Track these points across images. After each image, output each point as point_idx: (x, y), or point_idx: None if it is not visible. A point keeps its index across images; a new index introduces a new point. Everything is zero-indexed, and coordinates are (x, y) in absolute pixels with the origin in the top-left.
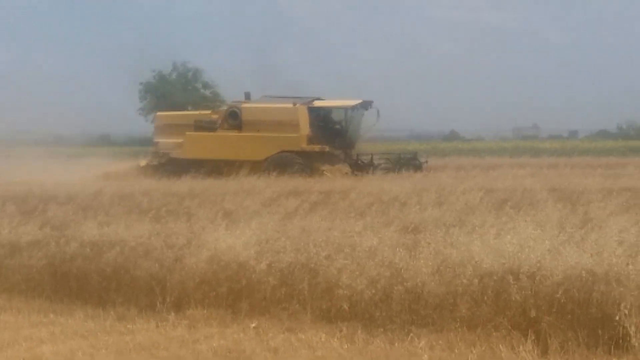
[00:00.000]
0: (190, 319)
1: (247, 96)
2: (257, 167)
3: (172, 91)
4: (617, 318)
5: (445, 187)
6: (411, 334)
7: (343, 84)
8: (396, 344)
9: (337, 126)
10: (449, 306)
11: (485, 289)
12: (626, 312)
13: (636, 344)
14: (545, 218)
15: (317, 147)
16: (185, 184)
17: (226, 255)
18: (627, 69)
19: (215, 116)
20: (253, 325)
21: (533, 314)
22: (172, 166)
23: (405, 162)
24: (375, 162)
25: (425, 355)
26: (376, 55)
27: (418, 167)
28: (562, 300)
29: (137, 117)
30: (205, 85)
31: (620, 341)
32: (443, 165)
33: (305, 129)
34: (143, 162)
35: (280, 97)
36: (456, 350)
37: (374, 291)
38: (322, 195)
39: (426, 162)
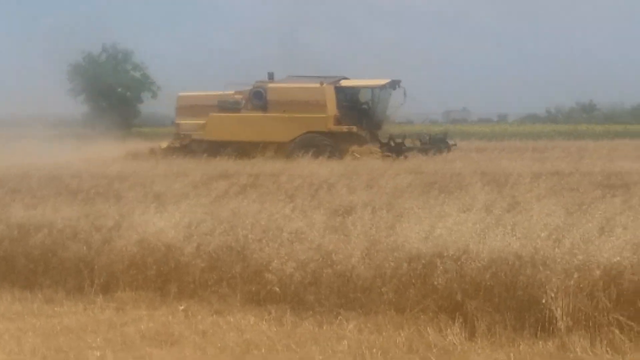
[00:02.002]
0: (119, 301)
1: (271, 76)
2: (283, 148)
3: (102, 73)
4: (543, 301)
5: (374, 170)
6: (340, 317)
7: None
8: (325, 327)
9: (365, 106)
10: (378, 289)
11: (413, 272)
12: (552, 295)
13: (562, 327)
14: (473, 201)
15: (344, 128)
16: (115, 167)
17: (155, 237)
18: (556, 54)
19: (239, 96)
20: (182, 307)
21: (460, 297)
22: (195, 148)
23: (436, 143)
24: (408, 143)
25: (354, 338)
26: (316, 39)
27: (447, 149)
28: (489, 284)
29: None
30: (136, 67)
31: (547, 324)
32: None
33: (332, 109)
34: (164, 144)
35: (306, 77)
36: (384, 333)
37: (303, 274)
38: (252, 178)
39: (455, 144)
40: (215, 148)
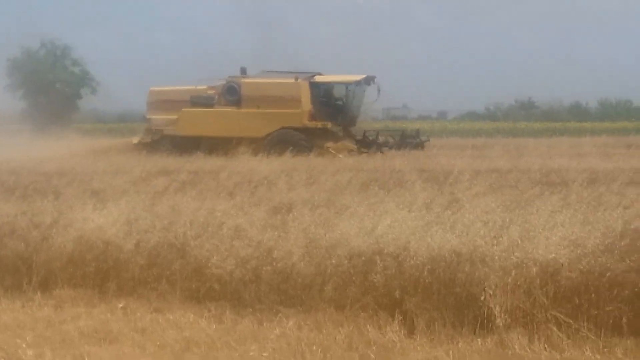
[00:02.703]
0: (57, 299)
1: (243, 71)
2: (257, 144)
3: (41, 68)
4: (482, 298)
5: (315, 167)
6: (280, 314)
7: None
8: (265, 324)
9: (339, 102)
10: (318, 287)
11: (353, 269)
12: (491, 292)
13: (500, 324)
14: (413, 199)
15: (319, 124)
16: (53, 164)
17: (94, 234)
18: (495, 52)
19: (211, 91)
20: (121, 305)
21: (399, 294)
22: (166, 143)
23: (409, 140)
24: (381, 139)
25: (293, 336)
26: (245, 38)
27: (420, 145)
28: (428, 281)
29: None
30: (75, 63)
31: (485, 321)
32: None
33: (307, 105)
34: (135, 140)
35: (280, 72)
36: (324, 331)
37: (243, 271)
38: (191, 174)
39: (428, 139)
40: (187, 143)
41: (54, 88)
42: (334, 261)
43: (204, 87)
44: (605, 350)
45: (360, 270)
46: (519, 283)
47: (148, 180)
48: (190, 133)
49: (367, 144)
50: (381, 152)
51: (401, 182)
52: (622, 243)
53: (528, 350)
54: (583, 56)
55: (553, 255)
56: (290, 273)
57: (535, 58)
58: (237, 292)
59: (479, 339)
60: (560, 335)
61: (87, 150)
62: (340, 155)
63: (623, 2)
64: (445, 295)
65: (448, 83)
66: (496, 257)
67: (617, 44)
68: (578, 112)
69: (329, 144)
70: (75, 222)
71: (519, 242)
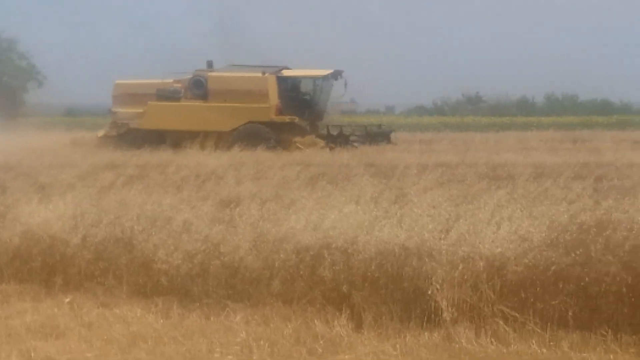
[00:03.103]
0: (3, 294)
1: (210, 64)
2: (223, 138)
3: None
4: (429, 292)
5: (263, 161)
6: (227, 309)
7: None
8: (212, 319)
9: (306, 97)
10: (266, 281)
11: (301, 263)
12: (438, 286)
13: (448, 318)
14: (360, 193)
15: (287, 118)
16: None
17: (40, 229)
18: (442, 47)
19: (178, 85)
20: (67, 300)
21: (347, 288)
22: (132, 137)
23: (376, 134)
24: (347, 133)
25: (241, 330)
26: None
27: (387, 140)
28: (376, 275)
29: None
30: (21, 56)
31: (432, 315)
32: None
33: (274, 99)
34: (101, 133)
35: (247, 66)
36: (271, 325)
37: (190, 266)
38: (139, 168)
39: (392, 131)
40: (153, 137)
41: (0, 81)
42: (281, 255)
43: (170, 80)
44: (551, 344)
45: (308, 265)
46: (466, 277)
47: (95, 175)
48: (156, 127)
49: (336, 139)
50: (353, 146)
51: (349, 176)
52: (568, 237)
53: (475, 344)
54: (530, 51)
55: (499, 249)
56: (238, 267)
57: (482, 53)
58: (184, 287)
59: (426, 333)
60: (507, 329)
61: (33, 144)
62: (308, 150)
63: None
64: (393, 290)
65: (396, 77)
66: (443, 252)
67: (564, 39)
68: (525, 107)
69: (297, 139)
70: (21, 217)
71: (466, 236)
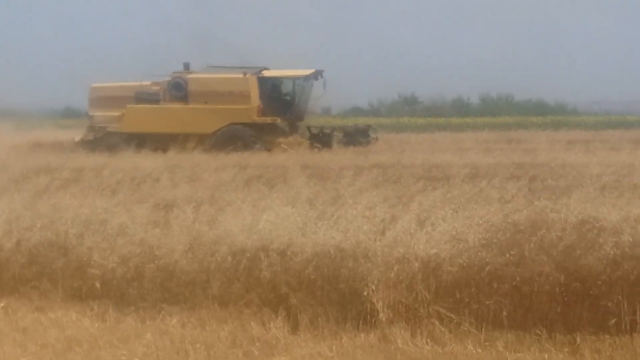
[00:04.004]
0: None
1: (187, 66)
2: (204, 140)
3: None
4: (365, 294)
5: (199, 163)
6: (163, 312)
7: None
8: (148, 322)
9: (287, 97)
10: (202, 284)
11: (237, 266)
12: (373, 287)
13: (383, 319)
14: (297, 195)
15: (269, 119)
16: None
17: None
18: (378, 48)
19: (156, 87)
20: (1, 304)
21: (283, 290)
22: (110, 141)
23: (359, 135)
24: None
25: (177, 333)
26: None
27: (368, 141)
28: (312, 277)
29: None
30: None
31: (369, 316)
32: None
33: (256, 100)
34: (78, 137)
35: (225, 67)
36: (208, 328)
37: (126, 269)
38: (74, 172)
39: (376, 138)
40: (131, 141)
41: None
42: (218, 258)
43: (148, 83)
44: (486, 344)
45: (244, 267)
46: (401, 278)
47: (29, 178)
48: (136, 130)
49: (319, 139)
50: (328, 147)
51: (285, 178)
52: (502, 237)
53: (411, 344)
54: (465, 51)
55: (435, 250)
56: (174, 270)
57: (418, 53)
58: (119, 290)
59: (362, 334)
60: (442, 329)
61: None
62: (292, 151)
63: None
64: (329, 291)
65: (332, 78)
66: (379, 253)
67: (498, 39)
68: (460, 107)
69: (281, 139)
70: None
71: (402, 237)
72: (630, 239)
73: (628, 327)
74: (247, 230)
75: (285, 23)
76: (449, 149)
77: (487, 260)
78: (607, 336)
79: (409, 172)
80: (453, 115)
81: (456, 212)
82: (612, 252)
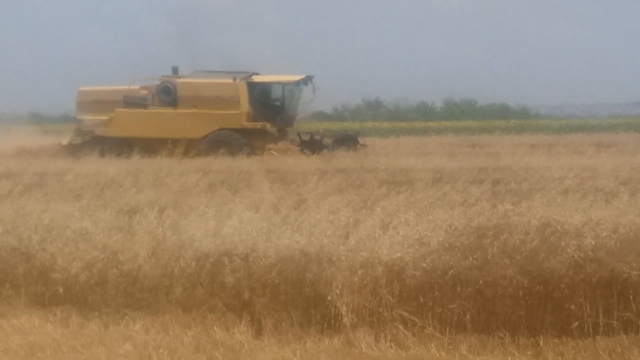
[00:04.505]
0: None
1: (175, 70)
2: (193, 145)
3: None
4: (329, 298)
5: (162, 168)
6: (126, 317)
7: None
8: (111, 327)
9: (277, 102)
10: (165, 289)
11: (201, 271)
12: (338, 292)
13: (347, 323)
14: (260, 200)
15: (258, 125)
16: None
17: None
18: (341, 52)
19: (145, 92)
20: None
21: (247, 295)
22: (97, 145)
23: (348, 141)
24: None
25: (140, 338)
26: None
27: (355, 147)
28: (276, 281)
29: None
30: None
31: (333, 321)
32: None
33: (245, 105)
34: (65, 141)
35: (214, 72)
36: (171, 333)
37: (89, 274)
38: (37, 177)
39: (365, 145)
40: (119, 145)
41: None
42: (181, 263)
43: (137, 87)
44: (450, 347)
45: (208, 272)
46: (365, 282)
47: None
48: (124, 134)
49: (309, 145)
50: (318, 152)
51: (249, 183)
52: (465, 241)
53: (374, 348)
54: (428, 56)
55: (398, 254)
56: (137, 276)
57: (382, 58)
58: (83, 296)
59: (326, 339)
60: (406, 333)
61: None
62: (282, 157)
63: (465, 2)
64: (294, 296)
65: None
66: (343, 257)
67: (461, 44)
68: (424, 112)
69: (271, 146)
70: None
71: (365, 241)
72: (593, 242)
73: (590, 330)
74: (211, 235)
75: (249, 29)
76: (413, 153)
77: (451, 264)
78: (570, 339)
79: (373, 177)
80: (417, 119)
81: (420, 216)
82: (574, 255)
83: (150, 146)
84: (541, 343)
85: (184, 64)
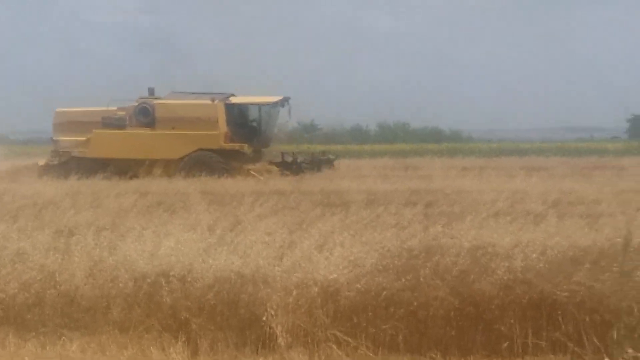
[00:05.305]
0: None
1: (151, 92)
2: (172, 166)
3: None
4: (264, 319)
5: (100, 190)
6: (63, 337)
7: None
8: (48, 347)
9: (254, 123)
10: (103, 309)
11: (138, 291)
12: (272, 312)
13: (282, 343)
14: (197, 221)
15: (236, 146)
16: None
17: None
18: (277, 76)
19: (121, 113)
20: None
21: (184, 316)
22: (74, 165)
23: (320, 161)
24: (298, 160)
25: (77, 358)
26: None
27: (331, 166)
28: (212, 302)
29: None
30: None
31: (267, 341)
32: None
33: (223, 126)
34: (42, 162)
35: (190, 93)
36: (108, 353)
37: (26, 295)
38: None
39: (335, 158)
40: (95, 166)
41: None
42: (118, 284)
43: (114, 108)
44: None
45: (145, 292)
46: (300, 303)
47: None
48: (102, 155)
49: (288, 166)
50: (298, 173)
51: (186, 204)
52: (398, 262)
53: None
54: (362, 80)
55: (333, 275)
56: (75, 296)
57: (317, 81)
58: (20, 316)
59: (261, 358)
60: (340, 353)
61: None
62: (262, 178)
63: (399, 29)
64: (229, 316)
65: None
66: (278, 278)
67: (394, 69)
68: (359, 135)
69: (250, 167)
70: None
71: (300, 262)
72: (522, 264)
73: (520, 350)
74: (148, 256)
75: (191, 52)
76: (348, 176)
77: (384, 285)
78: (500, 359)
79: (308, 199)
80: (351, 142)
81: (354, 237)
82: (504, 277)
83: (127, 167)
84: None
85: (159, 85)
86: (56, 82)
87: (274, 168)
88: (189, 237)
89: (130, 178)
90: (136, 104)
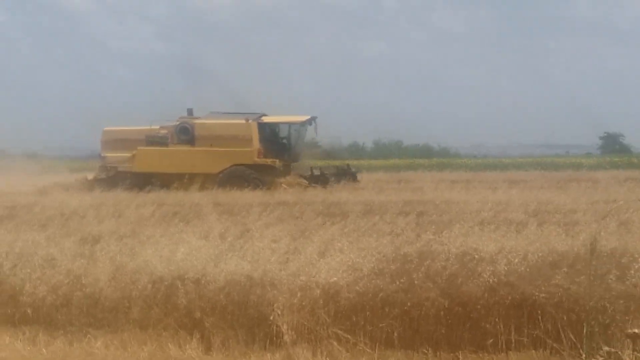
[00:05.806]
0: None
1: (190, 112)
2: (210, 179)
3: None
4: (271, 318)
5: (121, 201)
6: (89, 335)
7: None
8: (75, 345)
9: (284, 141)
10: (124, 309)
11: (156, 293)
12: (279, 312)
13: (288, 340)
14: (209, 229)
15: (269, 161)
16: None
17: None
18: (280, 97)
19: (164, 131)
20: None
21: (198, 315)
22: (120, 179)
23: (345, 174)
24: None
25: (101, 354)
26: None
27: (354, 178)
28: (224, 303)
29: None
30: None
31: (274, 338)
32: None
33: (256, 143)
34: (91, 176)
35: (227, 113)
36: (129, 349)
37: (55, 297)
38: (7, 209)
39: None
40: (141, 179)
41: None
42: (138, 286)
43: (157, 127)
44: None
45: (163, 294)
46: (304, 303)
47: None
48: (146, 170)
49: (317, 179)
50: (324, 186)
51: (199, 214)
52: (393, 267)
53: None
54: (359, 101)
55: (334, 278)
56: (99, 297)
57: (317, 103)
58: (49, 316)
59: (268, 354)
60: (340, 349)
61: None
62: (291, 190)
63: (395, 54)
64: (239, 316)
65: None
66: (284, 281)
67: (389, 91)
68: (356, 151)
69: (281, 180)
70: None
71: (304, 267)
72: (505, 268)
73: (504, 346)
74: (165, 261)
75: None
76: (346, 188)
77: (380, 287)
78: (486, 354)
79: (311, 209)
80: (349, 158)
81: (352, 244)
82: (489, 280)
83: (169, 180)
84: (460, 357)
85: (196, 105)
86: (80, 102)
87: (304, 181)
88: (202, 244)
89: (173, 190)
90: (177, 123)
